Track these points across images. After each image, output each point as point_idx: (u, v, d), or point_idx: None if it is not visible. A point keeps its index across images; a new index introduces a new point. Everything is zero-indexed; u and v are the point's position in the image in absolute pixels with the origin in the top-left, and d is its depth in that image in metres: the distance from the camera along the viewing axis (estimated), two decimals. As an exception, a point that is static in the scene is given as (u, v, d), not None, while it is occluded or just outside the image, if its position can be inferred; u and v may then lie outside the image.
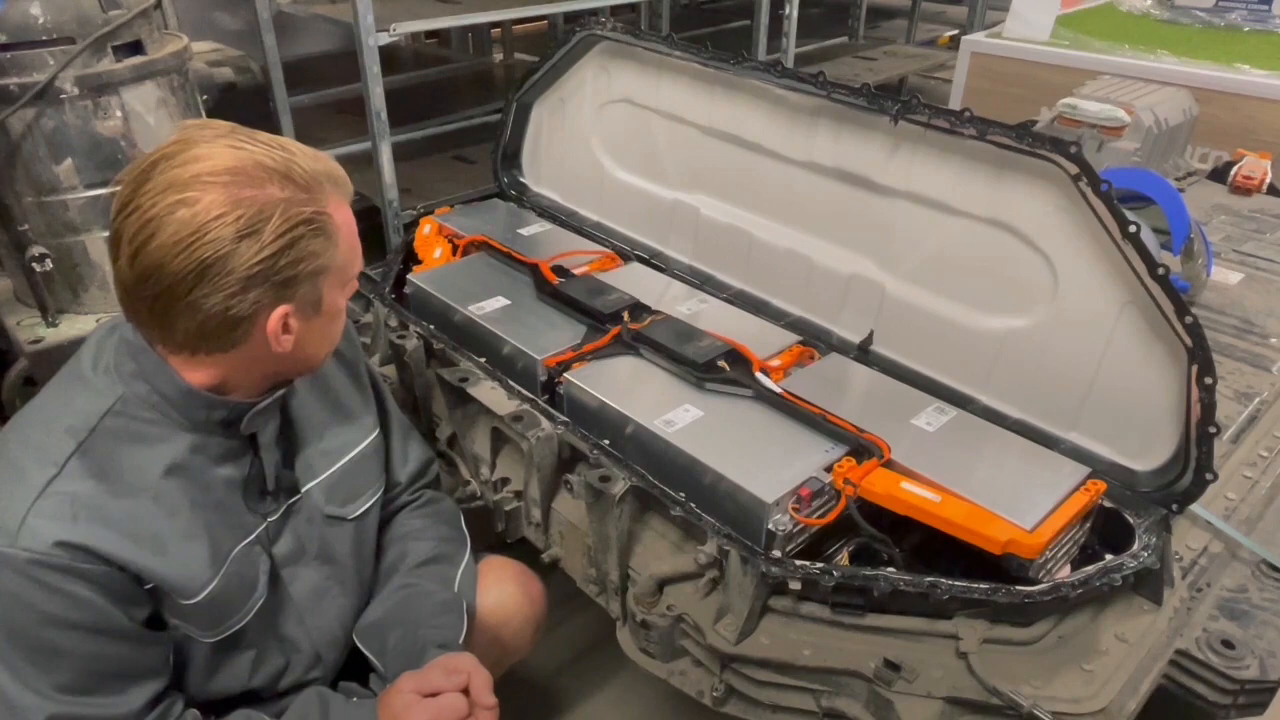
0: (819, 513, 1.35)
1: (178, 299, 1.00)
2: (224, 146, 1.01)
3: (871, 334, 1.74)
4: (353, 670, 1.35)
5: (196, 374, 1.09)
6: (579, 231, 2.21)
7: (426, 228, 2.20)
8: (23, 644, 1.03)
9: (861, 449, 1.41)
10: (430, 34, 4.99)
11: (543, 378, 1.66)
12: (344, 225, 1.10)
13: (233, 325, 1.03)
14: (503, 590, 1.49)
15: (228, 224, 0.97)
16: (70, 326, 2.07)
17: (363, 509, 1.36)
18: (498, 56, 4.88)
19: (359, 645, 1.34)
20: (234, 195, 0.98)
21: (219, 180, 0.98)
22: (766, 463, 1.38)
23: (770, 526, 1.31)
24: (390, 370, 1.86)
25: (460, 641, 1.32)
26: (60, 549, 1.01)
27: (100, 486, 1.05)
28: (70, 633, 1.03)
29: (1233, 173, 2.68)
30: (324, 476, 1.30)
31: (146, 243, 0.98)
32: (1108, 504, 1.37)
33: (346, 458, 1.34)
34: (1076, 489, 1.35)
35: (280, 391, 1.18)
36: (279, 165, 1.02)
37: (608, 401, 1.54)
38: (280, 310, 1.04)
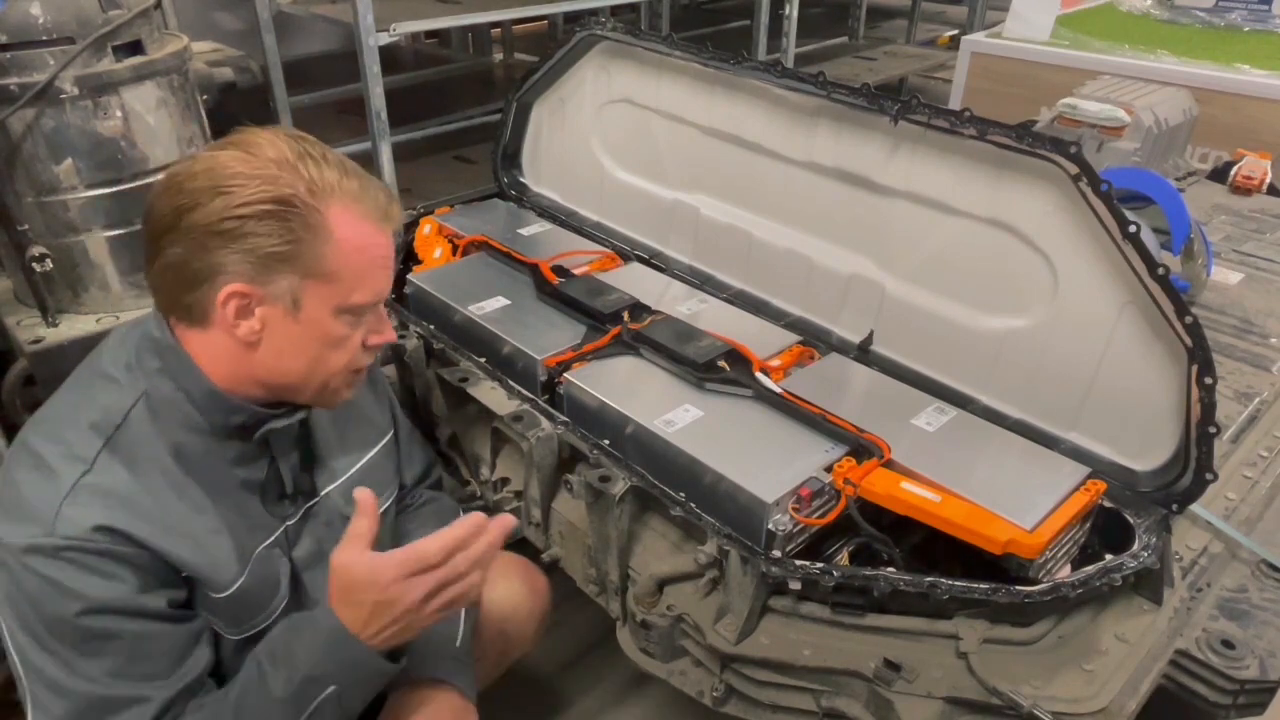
0: (819, 513, 1.35)
1: (155, 240, 1.06)
2: (271, 133, 1.07)
3: (871, 334, 1.74)
4: None
5: (212, 368, 1.10)
6: (579, 231, 2.21)
7: (426, 228, 2.20)
8: (67, 635, 1.02)
9: (861, 449, 1.41)
10: (430, 34, 4.99)
11: (543, 378, 1.66)
12: (345, 238, 1.07)
13: (190, 283, 1.05)
14: (507, 585, 1.50)
15: (207, 179, 1.02)
16: (70, 326, 2.07)
17: (382, 509, 1.36)
18: (498, 56, 4.88)
19: None
20: (230, 160, 1.03)
21: (235, 147, 1.05)
22: (766, 463, 1.38)
23: (770, 526, 1.31)
24: (390, 370, 1.86)
25: (458, 644, 1.32)
26: (99, 533, 1.02)
27: (132, 480, 1.06)
28: (111, 617, 1.03)
29: (1233, 173, 2.68)
30: (343, 479, 1.31)
31: (154, 188, 1.07)
32: (1108, 504, 1.37)
33: (364, 459, 1.35)
34: (1076, 489, 1.35)
35: (300, 414, 1.18)
36: (295, 158, 1.05)
37: (608, 401, 1.54)
38: (235, 287, 1.04)
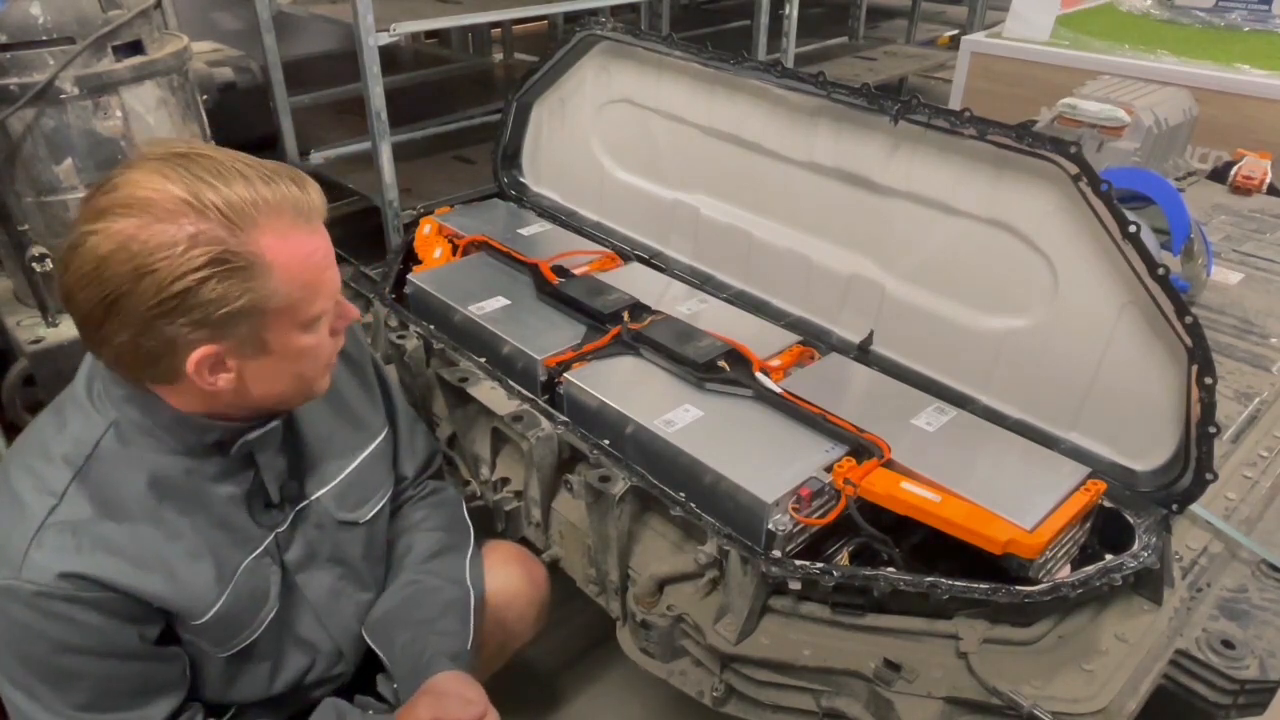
0: (819, 513, 1.35)
1: (92, 330, 0.99)
2: (154, 172, 0.95)
3: (871, 334, 1.74)
4: (375, 664, 1.36)
5: (177, 401, 1.07)
6: (579, 231, 2.20)
7: (426, 228, 2.20)
8: (38, 670, 1.03)
9: (861, 449, 1.41)
10: (430, 34, 4.99)
11: (543, 378, 1.66)
12: (286, 262, 0.99)
13: (151, 359, 1.00)
14: (506, 574, 1.50)
15: (124, 262, 0.93)
16: (70, 326, 2.07)
17: (374, 511, 1.36)
18: (498, 56, 4.88)
19: (368, 641, 1.34)
20: (137, 230, 0.93)
21: (130, 212, 0.93)
22: (766, 463, 1.38)
23: (770, 526, 1.31)
24: (390, 370, 1.86)
25: (469, 647, 1.32)
26: (65, 580, 1.01)
27: (101, 514, 1.05)
28: (83, 657, 1.04)
29: (1233, 173, 2.68)
30: (334, 484, 1.29)
31: (64, 272, 0.97)
32: (1108, 504, 1.37)
33: (355, 463, 1.33)
34: (1076, 489, 1.35)
35: (274, 422, 1.16)
36: (196, 198, 0.94)
37: (608, 401, 1.54)
38: (202, 352, 0.99)
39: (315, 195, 1.05)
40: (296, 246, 1.01)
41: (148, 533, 1.07)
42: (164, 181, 0.95)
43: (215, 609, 1.13)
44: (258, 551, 1.18)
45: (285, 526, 1.23)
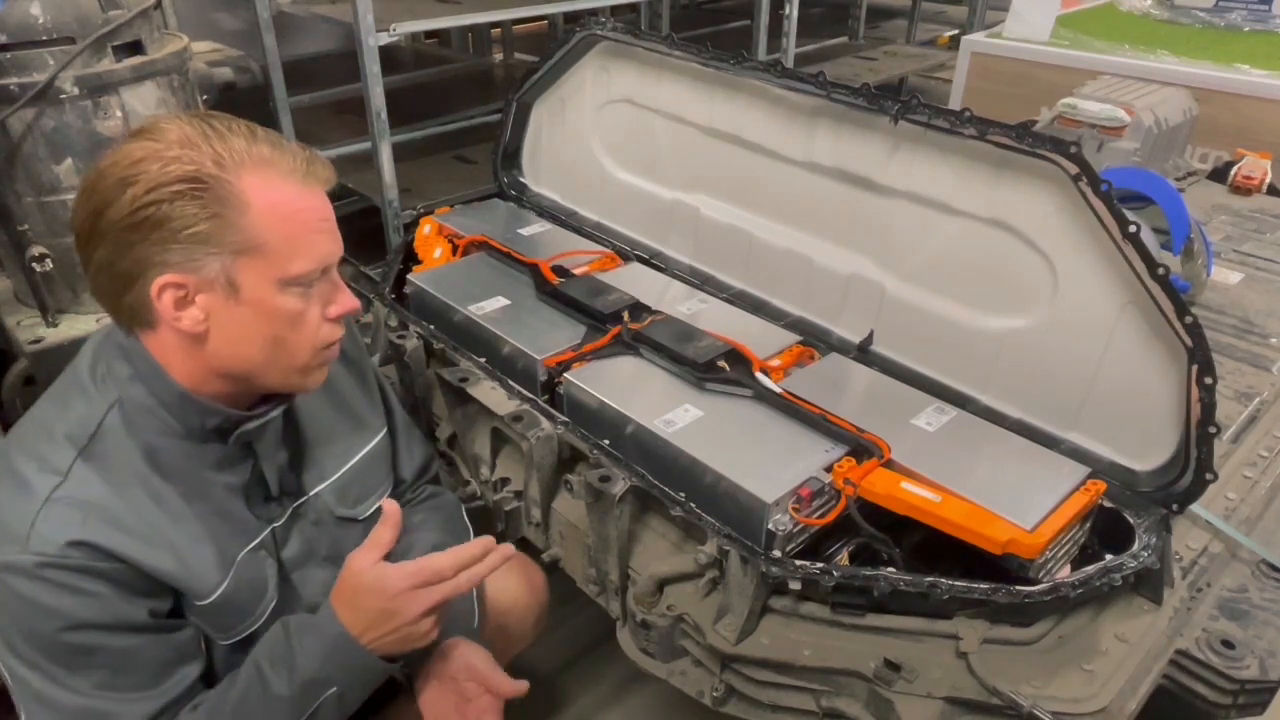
0: (819, 513, 1.35)
1: (82, 250, 1.04)
2: (177, 118, 1.04)
3: (871, 334, 1.74)
4: None
5: (175, 369, 1.08)
6: (579, 231, 2.21)
7: (426, 228, 2.20)
8: (50, 650, 1.02)
9: (861, 449, 1.41)
10: (430, 34, 4.99)
11: (543, 378, 1.66)
12: (265, 206, 1.02)
13: (123, 284, 1.02)
14: (505, 580, 1.50)
15: (114, 174, 0.99)
16: (70, 326, 2.07)
17: (374, 509, 1.36)
18: (498, 56, 4.88)
19: None
20: (135, 149, 1.00)
21: (138, 142, 1.01)
22: (766, 463, 1.38)
23: (770, 526, 1.31)
24: (390, 370, 1.86)
25: (476, 625, 1.33)
26: (74, 549, 1.00)
27: (107, 491, 1.05)
28: (94, 632, 1.03)
29: (1233, 173, 2.68)
30: (334, 479, 1.30)
31: (77, 193, 1.05)
32: (1108, 504, 1.37)
33: (355, 459, 1.34)
34: (1076, 489, 1.35)
35: (275, 411, 1.16)
36: (199, 136, 1.01)
37: (608, 401, 1.54)
38: (166, 278, 1.00)
39: (322, 169, 1.08)
40: (282, 196, 1.04)
41: (152, 512, 1.07)
42: (179, 123, 1.03)
43: (220, 590, 1.13)
44: (254, 544, 1.18)
45: (282, 521, 1.23)
